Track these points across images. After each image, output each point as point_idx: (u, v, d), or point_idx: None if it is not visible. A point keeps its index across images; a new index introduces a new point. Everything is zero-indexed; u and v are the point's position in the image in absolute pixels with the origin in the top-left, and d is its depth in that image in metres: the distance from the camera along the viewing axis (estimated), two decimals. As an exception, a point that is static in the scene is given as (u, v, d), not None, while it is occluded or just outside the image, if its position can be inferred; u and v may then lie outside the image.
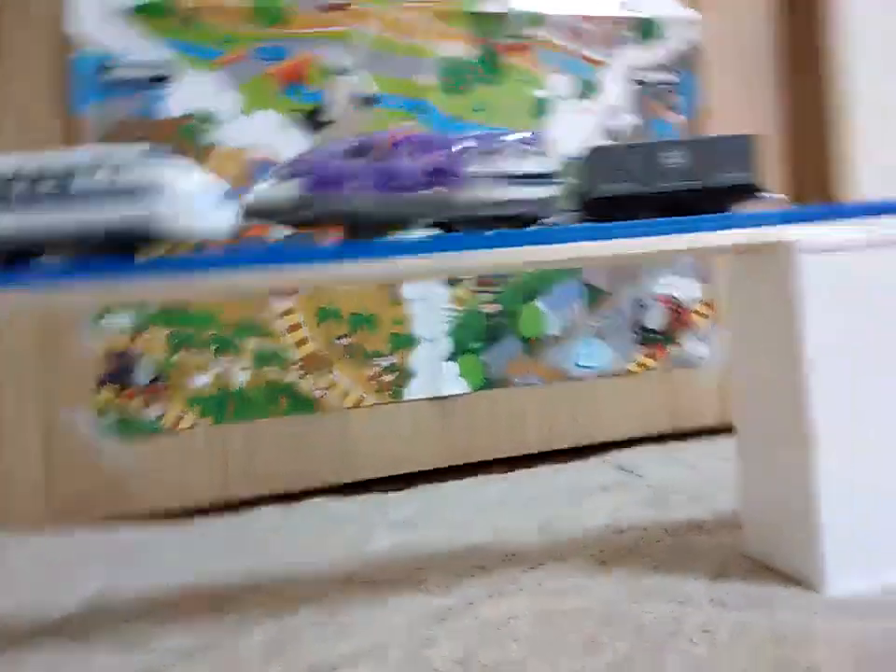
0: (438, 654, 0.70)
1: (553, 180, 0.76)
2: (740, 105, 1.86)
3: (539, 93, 1.69)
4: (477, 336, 1.64)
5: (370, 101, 1.56)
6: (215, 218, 0.71)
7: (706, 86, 1.82)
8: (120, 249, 0.69)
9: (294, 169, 0.75)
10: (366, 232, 0.77)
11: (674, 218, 0.79)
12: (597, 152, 0.81)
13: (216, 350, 1.49)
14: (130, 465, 1.41)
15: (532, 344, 1.67)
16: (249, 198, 0.76)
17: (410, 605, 0.83)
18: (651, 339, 1.74)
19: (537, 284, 1.69)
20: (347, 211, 0.74)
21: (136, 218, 0.69)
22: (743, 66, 1.87)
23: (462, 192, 0.74)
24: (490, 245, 0.75)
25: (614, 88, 1.75)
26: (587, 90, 1.74)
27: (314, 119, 1.53)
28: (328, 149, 0.78)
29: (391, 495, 1.46)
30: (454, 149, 0.75)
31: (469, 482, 1.53)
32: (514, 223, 0.77)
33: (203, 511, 1.44)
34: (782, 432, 0.79)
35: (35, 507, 1.38)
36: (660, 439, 1.71)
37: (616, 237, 0.76)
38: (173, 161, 0.72)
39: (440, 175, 0.74)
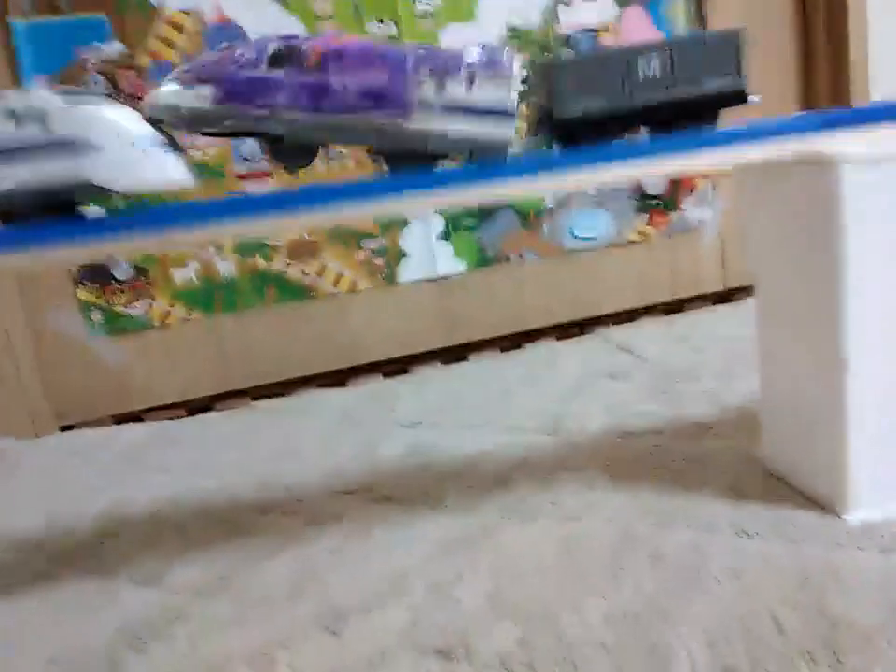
0: (465, 593, 0.68)
1: (515, 113, 0.63)
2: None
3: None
4: (470, 212, 1.54)
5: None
6: (161, 168, 0.60)
7: None
8: (58, 209, 0.59)
9: (200, 73, 0.62)
10: (293, 158, 0.66)
11: (675, 136, 0.68)
12: (562, 65, 0.67)
13: (192, 245, 1.40)
14: (123, 361, 1.37)
15: (529, 218, 1.57)
16: (152, 100, 0.62)
17: (429, 528, 0.81)
18: (652, 205, 1.65)
19: (529, 149, 1.56)
20: (268, 129, 0.62)
21: (72, 174, 0.58)
22: None
23: (406, 122, 0.62)
24: (449, 181, 0.65)
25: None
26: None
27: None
28: (239, 51, 0.62)
29: (395, 384, 1.43)
30: (398, 68, 0.62)
31: (471, 366, 1.50)
32: (467, 160, 0.65)
33: (202, 407, 1.43)
34: (813, 355, 0.74)
35: (39, 412, 1.36)
36: (661, 310, 1.67)
37: (607, 162, 0.66)
38: (106, 105, 0.60)
39: (380, 98, 0.61)
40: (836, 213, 0.69)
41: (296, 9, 1.36)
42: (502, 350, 1.57)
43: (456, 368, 1.49)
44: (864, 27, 1.64)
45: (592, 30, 1.57)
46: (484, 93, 0.62)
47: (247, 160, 1.37)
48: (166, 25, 1.29)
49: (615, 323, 1.62)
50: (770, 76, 1.71)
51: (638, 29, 1.61)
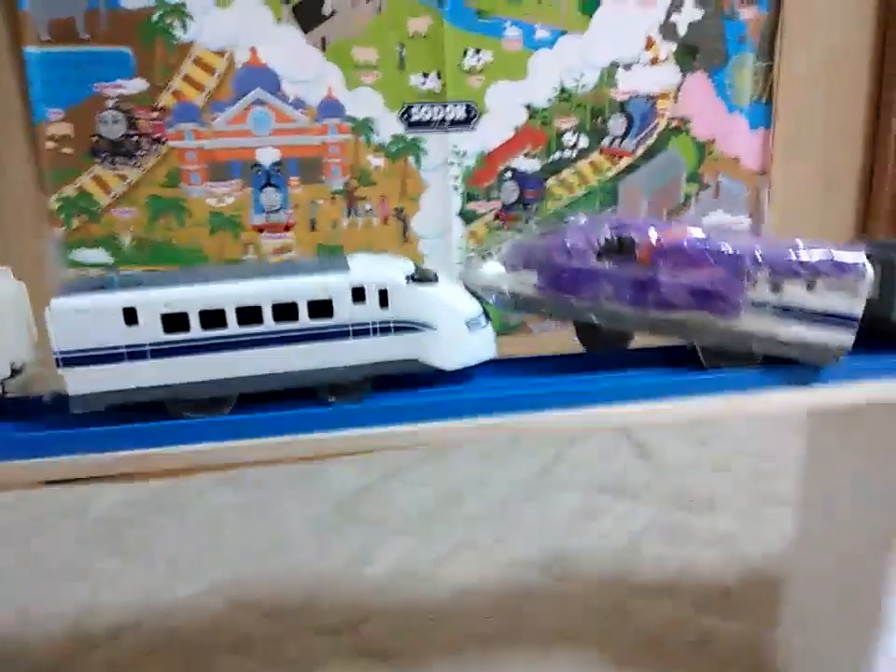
0: None
1: (856, 323, 0.57)
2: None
3: (588, -21, 1.36)
4: (494, 277, 1.46)
5: (378, -11, 1.25)
6: (482, 345, 0.58)
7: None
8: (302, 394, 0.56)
9: (528, 259, 0.59)
10: (603, 343, 0.63)
11: None
12: None
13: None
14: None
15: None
16: (472, 277, 0.60)
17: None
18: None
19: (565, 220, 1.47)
20: (588, 319, 0.60)
21: (405, 353, 0.56)
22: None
23: (734, 323, 0.58)
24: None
25: (681, -30, 1.41)
26: (648, -26, 1.40)
27: (307, 12, 1.24)
28: (567, 239, 0.59)
29: (399, 462, 1.37)
30: (734, 267, 0.57)
31: (466, 462, 1.43)
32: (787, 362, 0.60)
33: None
34: (850, 610, 0.67)
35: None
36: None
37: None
38: (440, 283, 0.57)
39: (710, 297, 0.57)
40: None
41: (337, 58, 1.26)
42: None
43: (453, 458, 1.41)
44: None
45: (651, 96, 1.46)
46: (829, 299, 0.57)
47: (266, 211, 1.29)
48: (194, 65, 1.20)
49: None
50: (835, 155, 1.60)
51: (700, 97, 1.50)
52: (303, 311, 0.53)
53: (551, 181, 1.45)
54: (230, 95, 1.23)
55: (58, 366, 0.50)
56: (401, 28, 1.27)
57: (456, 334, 0.56)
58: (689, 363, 0.61)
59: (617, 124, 1.45)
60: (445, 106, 1.33)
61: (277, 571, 1.03)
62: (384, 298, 0.54)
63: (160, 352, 0.51)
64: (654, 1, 1.41)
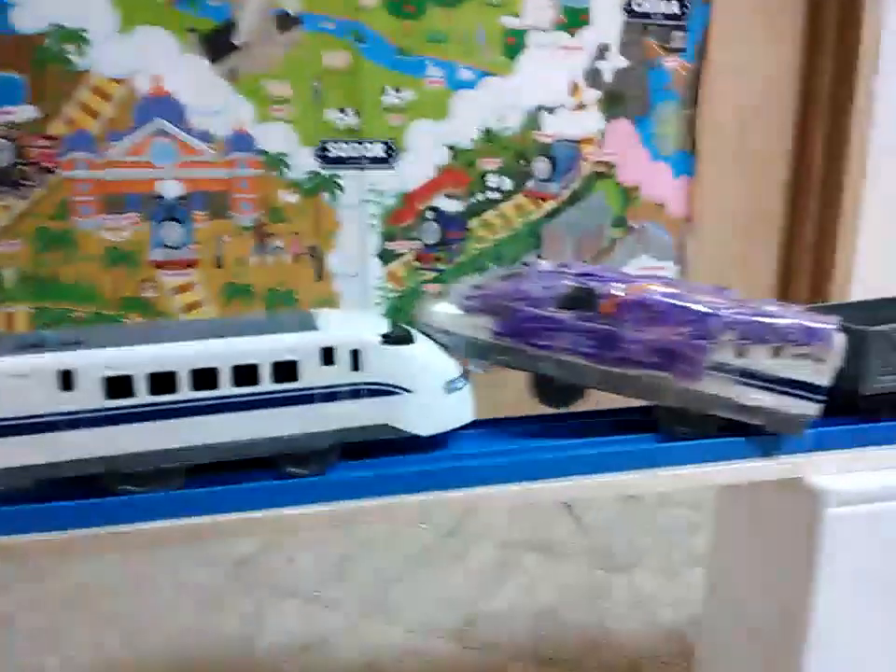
0: None
1: (822, 396, 0.54)
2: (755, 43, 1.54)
3: (510, 22, 1.34)
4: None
5: (290, 21, 1.21)
6: (459, 408, 0.54)
7: (716, 19, 1.48)
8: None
9: (484, 303, 0.56)
10: (558, 398, 0.59)
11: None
12: (879, 337, 0.57)
13: (94, 333, 1.23)
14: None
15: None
16: (427, 317, 0.57)
17: None
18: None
19: (488, 262, 1.43)
20: (545, 371, 0.56)
21: (376, 418, 0.51)
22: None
23: (696, 385, 0.55)
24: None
25: (606, 19, 1.41)
26: (572, 20, 1.39)
27: (216, 42, 1.19)
28: (528, 284, 0.55)
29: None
30: (700, 328, 0.54)
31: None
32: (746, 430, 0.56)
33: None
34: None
35: None
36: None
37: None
38: (416, 342, 0.52)
39: (673, 357, 0.54)
40: (812, 543, 0.57)
41: (248, 91, 1.20)
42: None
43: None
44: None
45: (573, 140, 1.45)
46: (796, 367, 0.54)
47: (167, 246, 1.22)
48: (91, 92, 1.13)
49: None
50: (757, 204, 1.61)
51: (625, 144, 1.49)
52: (266, 374, 0.48)
53: (473, 222, 1.41)
54: (129, 125, 1.16)
55: None
56: (317, 62, 1.23)
57: (433, 397, 0.52)
58: (642, 426, 0.57)
59: (541, 167, 1.43)
60: (363, 144, 1.28)
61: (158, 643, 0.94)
62: (355, 359, 0.49)
63: (100, 419, 0.46)
64: (580, 47, 1.40)
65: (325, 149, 1.26)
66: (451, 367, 0.54)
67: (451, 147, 1.36)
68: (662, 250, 1.57)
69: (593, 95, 1.43)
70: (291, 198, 1.27)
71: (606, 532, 1.20)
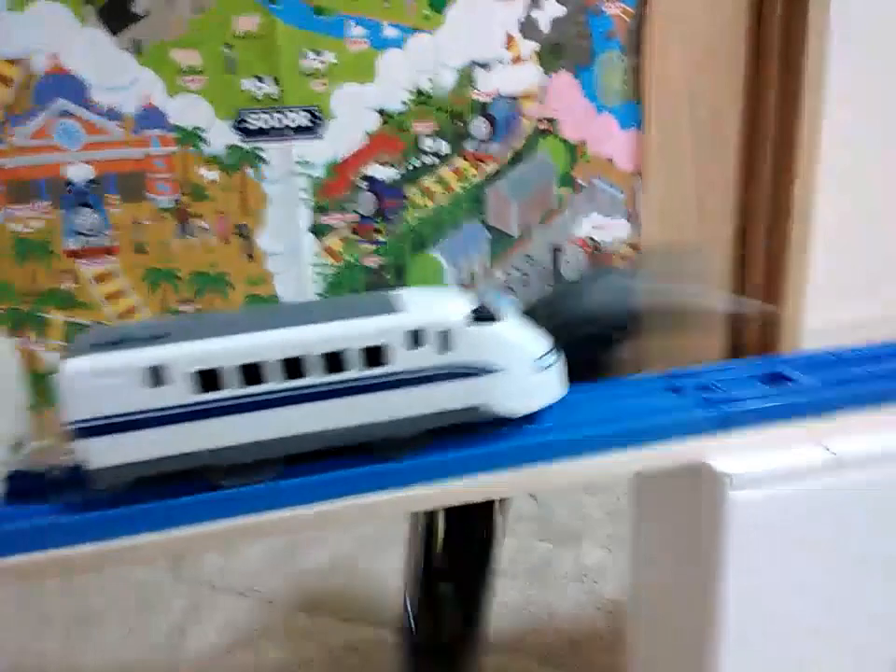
0: None
1: None
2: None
3: (437, -27, 1.27)
4: (356, 296, 1.36)
5: (199, -14, 1.13)
6: (549, 387, 0.53)
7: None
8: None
9: None
10: None
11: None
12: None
13: (11, 327, 1.18)
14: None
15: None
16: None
17: None
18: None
19: (429, 231, 1.38)
20: None
21: (466, 400, 0.49)
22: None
23: None
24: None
25: (540, -37, 1.33)
26: (504, -33, 1.31)
27: (115, 12, 1.11)
28: None
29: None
30: None
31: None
32: None
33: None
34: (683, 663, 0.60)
35: None
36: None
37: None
38: (505, 319, 0.51)
39: None
40: (717, 527, 0.53)
41: (154, 63, 1.13)
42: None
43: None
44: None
45: (512, 97, 1.38)
46: None
47: (82, 234, 1.16)
48: (-18, 73, 1.06)
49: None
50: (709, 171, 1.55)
51: (567, 98, 1.43)
52: (355, 359, 0.47)
53: (411, 190, 1.35)
54: (30, 108, 1.09)
55: (75, 437, 0.45)
56: (227, 27, 1.15)
57: (524, 376, 0.51)
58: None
59: (479, 127, 1.36)
60: (285, 113, 1.21)
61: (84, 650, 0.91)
62: (444, 340, 0.48)
63: (191, 414, 0.46)
64: (512, -5, 1.32)
65: (243, 121, 1.19)
66: (540, 343, 0.52)
67: (380, 112, 1.29)
68: (613, 207, 1.52)
69: (530, 47, 1.36)
70: (212, 175, 1.20)
71: (554, 509, 1.17)
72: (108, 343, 0.46)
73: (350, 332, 0.47)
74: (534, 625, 0.90)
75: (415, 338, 0.47)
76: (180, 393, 0.46)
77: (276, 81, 1.20)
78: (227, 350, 0.46)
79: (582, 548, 1.03)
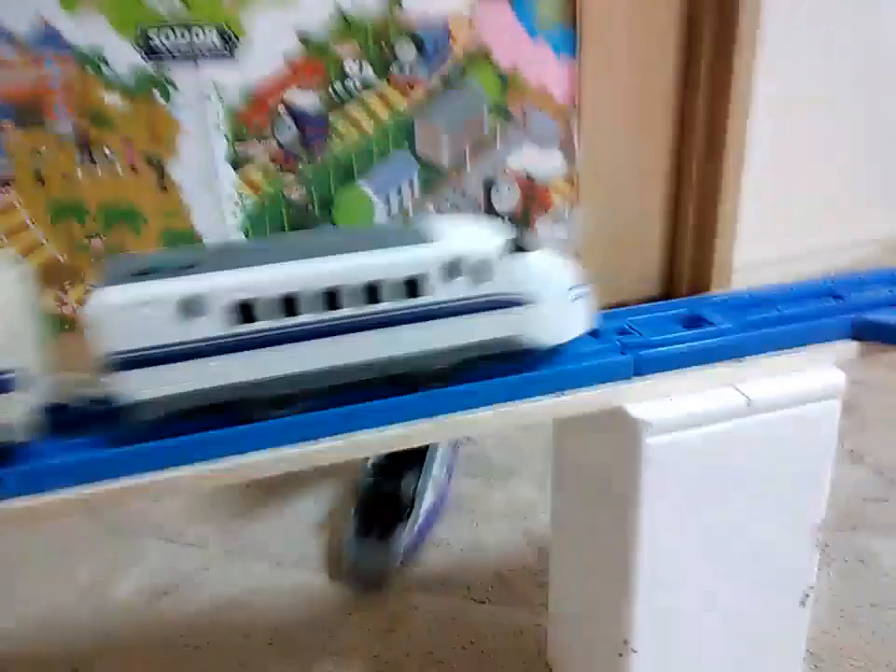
0: None
1: None
2: None
3: None
4: (279, 229, 1.30)
5: None
6: (579, 316, 0.51)
7: None
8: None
9: None
10: None
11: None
12: None
13: None
14: None
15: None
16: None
17: None
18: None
19: (356, 161, 1.32)
20: None
21: (505, 331, 0.48)
22: None
23: None
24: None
25: None
26: None
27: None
28: None
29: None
30: None
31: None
32: None
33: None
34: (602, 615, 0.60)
35: None
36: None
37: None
38: (539, 254, 0.48)
39: None
40: (633, 470, 0.53)
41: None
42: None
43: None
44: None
45: (441, 20, 1.31)
46: None
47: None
48: None
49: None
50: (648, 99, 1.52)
51: (499, 22, 1.36)
52: (392, 290, 0.45)
53: (335, 117, 1.28)
54: None
55: (110, 370, 0.42)
56: (124, -66, 1.05)
57: (560, 305, 0.49)
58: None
59: (406, 52, 1.30)
60: (193, 31, 1.12)
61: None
62: (481, 271, 0.46)
63: (231, 346, 0.43)
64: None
65: (148, 39, 1.10)
66: (573, 273, 0.50)
67: (300, 34, 1.21)
68: (547, 138, 1.48)
69: (459, -34, 1.29)
70: (115, 100, 1.11)
71: (489, 446, 1.17)
72: (140, 273, 0.42)
73: (389, 263, 0.45)
74: (462, 562, 0.91)
75: (453, 269, 0.46)
76: (217, 325, 0.43)
77: (185, 2, 1.10)
78: (265, 281, 0.43)
79: (513, 484, 1.04)
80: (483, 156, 1.43)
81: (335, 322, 0.44)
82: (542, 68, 1.42)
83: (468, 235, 0.48)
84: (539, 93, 1.43)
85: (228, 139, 1.21)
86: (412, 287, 0.45)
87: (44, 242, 1.16)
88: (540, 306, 0.48)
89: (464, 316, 0.47)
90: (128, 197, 1.17)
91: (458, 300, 0.46)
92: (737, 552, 0.58)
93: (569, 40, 1.42)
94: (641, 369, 0.52)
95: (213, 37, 1.14)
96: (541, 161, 1.48)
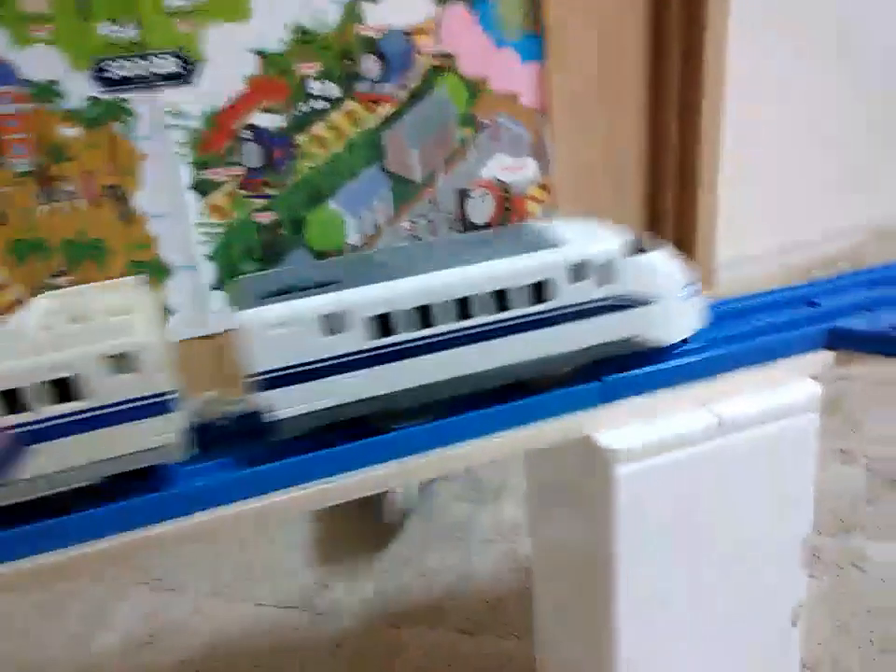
0: None
1: None
2: None
3: None
4: (250, 255, 1.28)
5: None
6: (692, 315, 0.52)
7: None
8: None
9: None
10: None
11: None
12: None
13: None
14: None
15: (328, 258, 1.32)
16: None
17: None
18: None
19: (325, 181, 1.30)
20: None
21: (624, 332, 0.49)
22: None
23: None
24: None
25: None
26: None
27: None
28: None
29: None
30: None
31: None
32: None
33: None
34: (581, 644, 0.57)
35: None
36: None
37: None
38: (658, 254, 0.49)
39: None
40: (606, 502, 0.50)
41: (-12, 7, 1.00)
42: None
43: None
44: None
45: (406, 31, 1.29)
46: None
47: (-71, 207, 1.04)
48: None
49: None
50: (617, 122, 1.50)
51: (463, 31, 1.34)
52: (520, 296, 0.45)
53: (301, 138, 1.26)
54: None
55: (258, 388, 0.43)
56: (71, -35, 1.02)
57: (675, 305, 0.50)
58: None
59: (370, 66, 1.28)
60: (149, 58, 1.10)
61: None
62: (605, 273, 0.47)
63: (370, 359, 0.44)
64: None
65: (103, 70, 1.08)
66: (686, 273, 0.51)
67: (259, 53, 1.19)
68: (518, 146, 1.46)
69: (419, -24, 1.27)
70: (73, 132, 1.09)
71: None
72: (276, 292, 0.43)
73: (516, 269, 0.45)
74: (451, 591, 0.89)
75: (578, 272, 0.46)
76: (357, 339, 0.44)
77: (138, 23, 1.08)
78: (401, 293, 0.44)
79: (501, 504, 1.02)
80: (455, 167, 1.41)
81: (467, 331, 0.45)
82: (510, 75, 1.40)
83: (591, 237, 0.48)
84: (507, 101, 1.41)
85: (192, 165, 1.18)
86: (539, 291, 0.46)
87: (8, 282, 1.13)
88: (661, 305, 0.49)
89: (589, 319, 0.47)
90: (92, 231, 1.15)
91: (584, 302, 0.47)
92: (721, 575, 0.56)
93: (535, 45, 1.40)
94: (608, 395, 0.50)
95: (170, 62, 1.12)
96: (515, 170, 1.46)
